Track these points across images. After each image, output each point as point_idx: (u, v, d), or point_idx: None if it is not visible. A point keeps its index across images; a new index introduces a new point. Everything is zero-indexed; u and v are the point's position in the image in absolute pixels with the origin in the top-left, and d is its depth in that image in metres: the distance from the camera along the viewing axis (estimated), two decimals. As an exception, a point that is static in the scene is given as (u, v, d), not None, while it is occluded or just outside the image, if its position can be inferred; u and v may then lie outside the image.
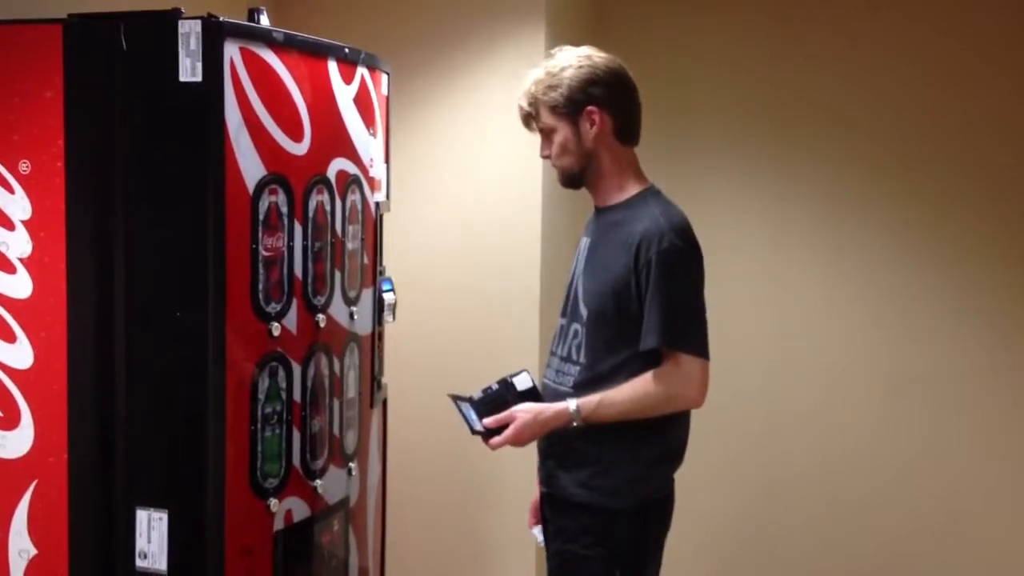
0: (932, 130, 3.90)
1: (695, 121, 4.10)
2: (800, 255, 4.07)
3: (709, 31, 4.11)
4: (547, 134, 2.48)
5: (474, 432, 2.49)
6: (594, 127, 2.42)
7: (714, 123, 4.12)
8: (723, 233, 3.94)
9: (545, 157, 2.52)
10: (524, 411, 2.41)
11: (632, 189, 2.47)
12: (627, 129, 2.46)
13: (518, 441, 2.43)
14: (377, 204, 2.83)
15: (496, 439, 2.43)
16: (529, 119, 2.51)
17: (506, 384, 2.48)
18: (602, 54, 2.48)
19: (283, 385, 2.38)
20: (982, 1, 3.82)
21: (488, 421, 2.43)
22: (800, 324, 4.08)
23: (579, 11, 4.09)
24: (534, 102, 2.47)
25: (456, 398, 2.50)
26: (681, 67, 4.08)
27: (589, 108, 2.41)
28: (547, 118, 2.46)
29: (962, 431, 3.90)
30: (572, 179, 2.51)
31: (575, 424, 2.38)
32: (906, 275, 3.95)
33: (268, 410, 2.34)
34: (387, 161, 2.90)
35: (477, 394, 2.48)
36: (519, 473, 3.62)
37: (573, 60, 2.45)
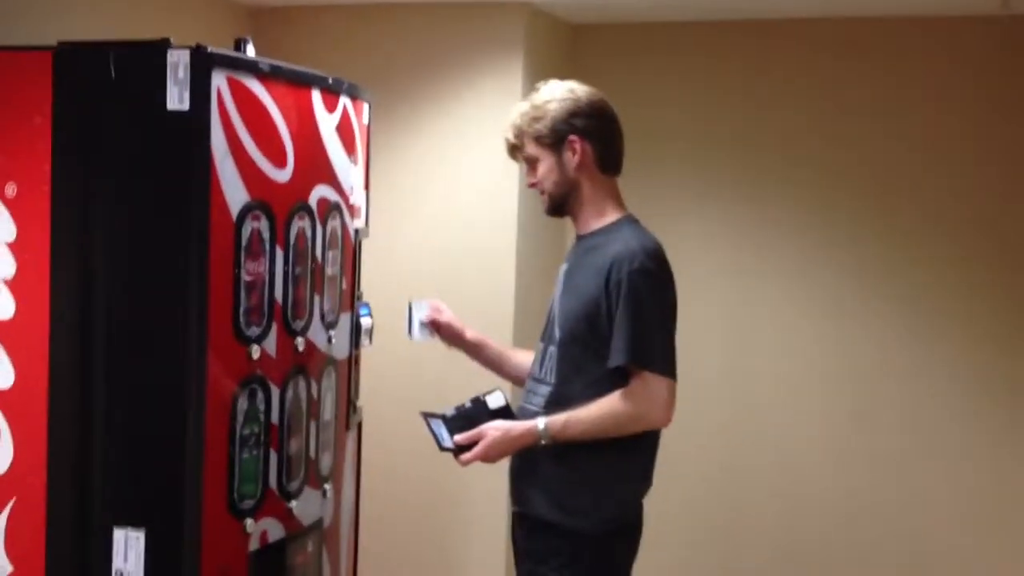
0: (899, 166, 3.99)
1: (664, 152, 4.18)
2: (767, 283, 4.16)
3: (681, 67, 4.20)
4: (532, 164, 2.56)
5: (443, 448, 2.53)
6: (576, 156, 2.49)
7: (683, 153, 4.20)
8: (690, 262, 4.02)
9: (531, 186, 2.59)
10: (494, 428, 2.47)
11: (611, 216, 2.54)
12: (608, 159, 2.54)
13: (487, 457, 2.48)
14: (356, 231, 2.88)
15: (466, 455, 2.48)
16: (514, 150, 2.58)
17: (478, 402, 2.53)
18: (585, 87, 2.55)
19: (262, 407, 2.42)
20: (954, 54, 3.93)
21: (459, 438, 2.48)
22: (765, 353, 4.16)
23: (556, 47, 4.17)
24: (519, 133, 2.54)
25: (428, 415, 2.55)
26: (653, 101, 4.17)
27: (571, 138, 2.49)
28: (532, 148, 2.53)
29: (924, 458, 3.98)
30: (556, 207, 2.58)
31: (543, 442, 2.43)
32: (871, 303, 4.04)
33: (246, 432, 2.38)
34: (367, 188, 2.96)
35: (450, 411, 2.53)
36: (490, 494, 3.68)
37: (557, 93, 2.53)
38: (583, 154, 2.49)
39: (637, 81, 4.16)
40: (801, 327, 4.12)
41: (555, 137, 2.50)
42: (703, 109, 4.17)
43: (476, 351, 2.81)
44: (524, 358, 2.79)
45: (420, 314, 2.76)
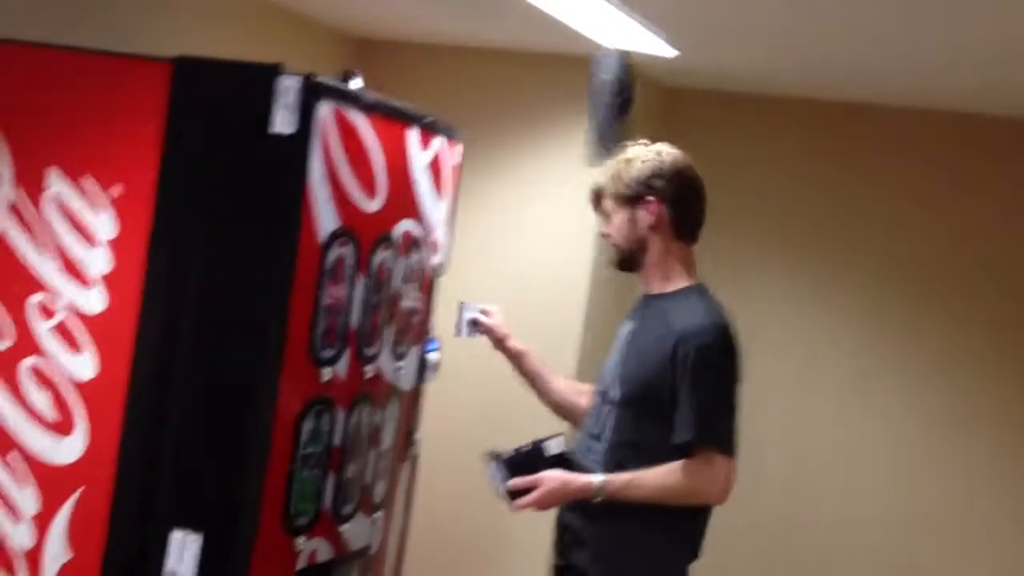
0: (980, 259, 3.97)
1: (749, 225, 4.20)
2: (839, 366, 4.14)
3: (772, 141, 4.23)
4: (607, 216, 2.60)
5: (499, 493, 2.54)
6: (650, 216, 2.52)
7: (767, 228, 4.22)
8: (765, 336, 4.02)
9: (604, 236, 2.63)
10: (552, 477, 2.48)
11: (679, 282, 2.56)
12: (683, 224, 2.56)
13: (541, 505, 2.49)
14: (435, 266, 2.94)
15: (520, 501, 2.49)
16: (596, 200, 2.62)
17: (539, 446, 2.54)
18: (673, 151, 2.59)
19: (326, 428, 2.47)
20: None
21: (515, 482, 2.49)
22: (828, 435, 4.13)
23: (648, 108, 4.22)
24: (603, 187, 2.58)
25: (491, 455, 2.56)
26: (741, 172, 4.19)
27: (648, 198, 2.52)
28: (609, 202, 2.57)
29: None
30: (622, 261, 2.61)
31: (598, 499, 2.44)
32: (948, 399, 4.00)
33: (309, 451, 2.43)
34: (450, 226, 3.02)
35: (509, 452, 2.55)
36: (533, 543, 3.69)
37: (643, 153, 2.57)
38: (658, 216, 2.52)
39: (726, 152, 4.18)
40: (868, 413, 4.09)
41: (633, 194, 2.53)
42: (791, 188, 4.18)
43: (515, 359, 2.87)
44: (563, 385, 2.83)
45: (469, 314, 2.87)
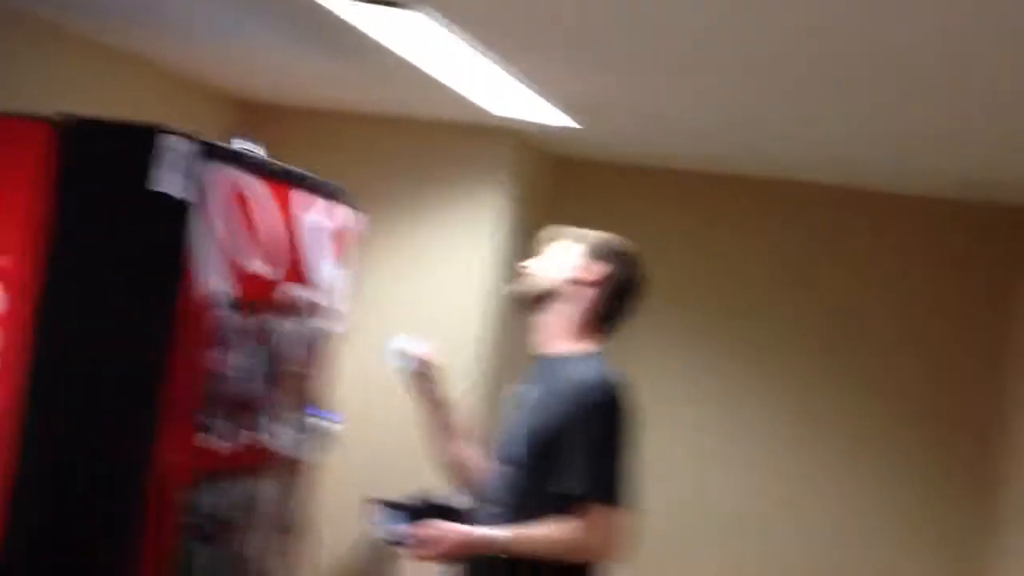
0: (875, 337, 4.09)
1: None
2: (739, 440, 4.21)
3: (655, 213, 4.29)
4: (551, 254, 2.54)
5: (391, 542, 2.44)
6: (590, 277, 2.51)
7: (658, 297, 4.27)
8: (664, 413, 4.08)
9: (521, 268, 2.56)
10: (457, 529, 2.42)
11: (580, 346, 2.54)
12: (612, 305, 2.54)
13: (442, 555, 2.43)
14: (331, 332, 2.87)
15: (424, 551, 2.41)
16: (574, 238, 2.55)
17: (436, 499, 2.49)
18: (639, 263, 2.59)
19: (212, 501, 2.37)
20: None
21: (415, 530, 2.41)
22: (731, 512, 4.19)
23: (540, 175, 4.25)
24: (584, 236, 2.55)
25: (383, 502, 2.45)
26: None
27: (603, 263, 2.52)
28: (566, 243, 2.53)
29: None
30: (532, 297, 2.53)
31: (497, 552, 2.39)
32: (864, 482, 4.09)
33: (194, 523, 2.33)
34: (348, 293, 2.96)
35: (407, 501, 2.46)
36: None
37: (619, 239, 2.58)
38: (600, 281, 2.51)
39: (612, 219, 4.22)
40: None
41: (595, 254, 2.53)
42: (674, 258, 4.24)
43: (439, 405, 2.62)
44: (469, 450, 2.66)
45: (412, 345, 2.58)
